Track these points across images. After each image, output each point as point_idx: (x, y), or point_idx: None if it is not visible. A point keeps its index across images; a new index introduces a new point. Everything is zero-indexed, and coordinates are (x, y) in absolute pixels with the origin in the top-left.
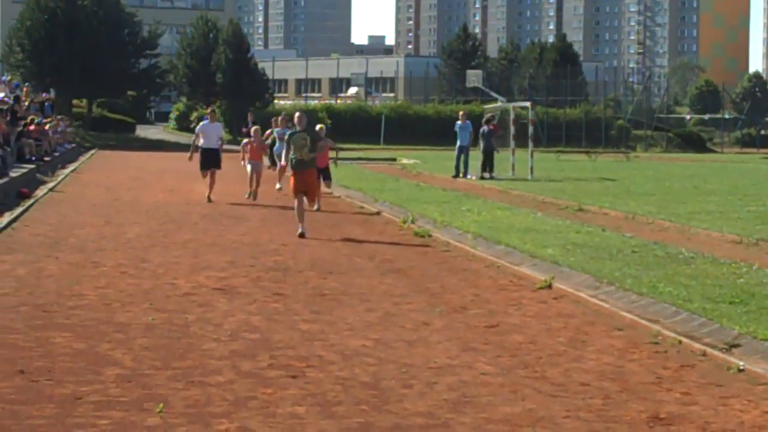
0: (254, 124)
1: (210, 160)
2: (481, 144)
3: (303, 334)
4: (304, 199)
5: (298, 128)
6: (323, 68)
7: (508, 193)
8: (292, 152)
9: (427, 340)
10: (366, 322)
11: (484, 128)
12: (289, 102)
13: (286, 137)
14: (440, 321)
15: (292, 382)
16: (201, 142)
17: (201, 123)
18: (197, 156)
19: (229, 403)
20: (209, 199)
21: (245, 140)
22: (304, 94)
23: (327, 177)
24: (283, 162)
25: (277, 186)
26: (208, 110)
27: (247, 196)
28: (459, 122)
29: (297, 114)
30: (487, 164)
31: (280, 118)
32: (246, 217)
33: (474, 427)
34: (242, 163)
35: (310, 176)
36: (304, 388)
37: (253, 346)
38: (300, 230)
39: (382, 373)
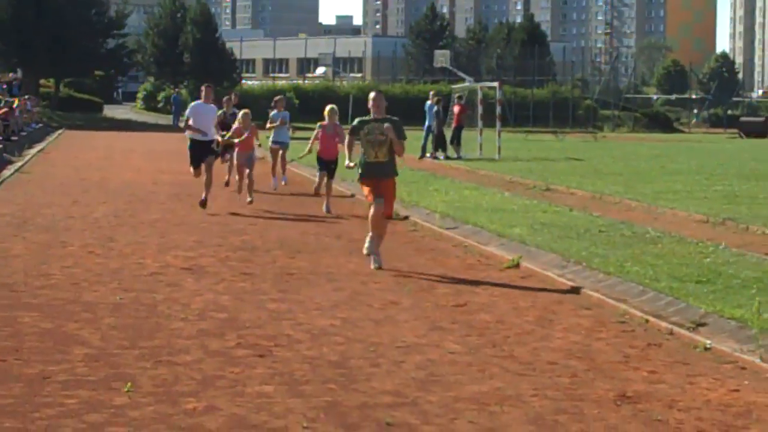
0: (241, 106)
1: (203, 154)
2: (435, 124)
3: (271, 314)
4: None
5: (373, 115)
6: (291, 48)
7: (476, 173)
8: (363, 152)
9: (394, 319)
10: (334, 301)
11: (436, 107)
12: (256, 82)
13: (353, 126)
14: (408, 300)
15: (259, 361)
16: (190, 131)
17: (192, 104)
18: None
19: (197, 382)
20: (204, 204)
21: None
22: (271, 74)
23: (333, 174)
24: (348, 162)
25: (277, 184)
26: (203, 86)
27: (248, 200)
28: (429, 102)
29: (373, 94)
30: (435, 144)
31: (277, 99)
32: (213, 197)
33: (442, 406)
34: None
35: (387, 189)
36: (272, 367)
37: (220, 326)
38: (374, 264)
39: (350, 352)
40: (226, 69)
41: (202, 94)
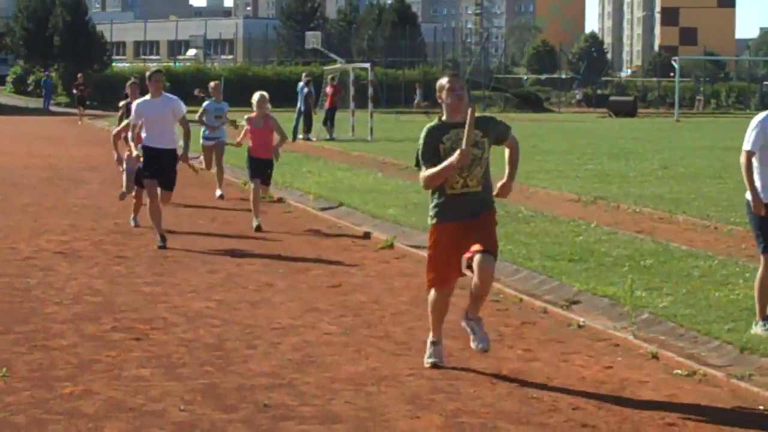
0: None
1: (156, 169)
2: (304, 106)
3: (146, 297)
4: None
5: (446, 116)
6: (161, 30)
7: (349, 154)
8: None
9: (270, 301)
10: (209, 283)
11: (306, 89)
12: (127, 65)
13: (423, 138)
14: (283, 282)
15: (136, 345)
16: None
17: (137, 102)
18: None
19: (73, 366)
20: (162, 241)
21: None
22: (142, 57)
23: (269, 179)
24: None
25: (218, 192)
26: (150, 74)
27: (132, 223)
28: (301, 83)
29: (447, 81)
30: (306, 125)
31: (212, 85)
32: (86, 181)
33: (319, 387)
34: (119, 158)
35: (487, 230)
36: (149, 351)
37: (96, 309)
38: (481, 345)
39: (226, 335)
40: (96, 52)
41: (150, 87)
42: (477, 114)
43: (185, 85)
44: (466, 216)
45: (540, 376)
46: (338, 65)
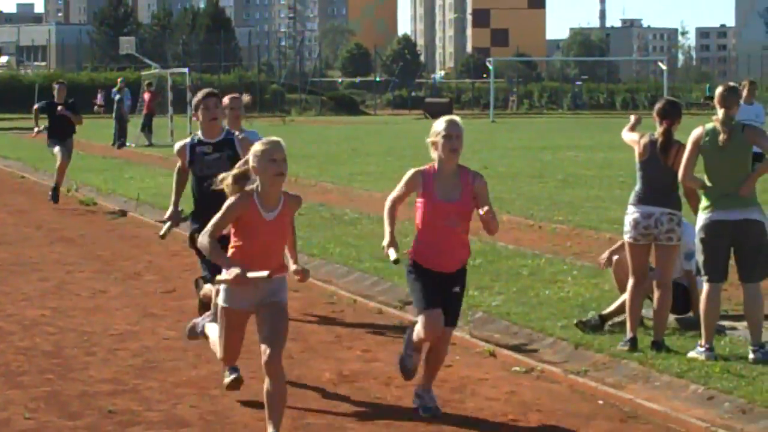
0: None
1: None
2: (116, 112)
3: None
4: None
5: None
6: None
7: (169, 159)
8: None
9: (104, 308)
10: (41, 291)
11: (118, 95)
12: None
13: None
14: (116, 288)
15: None
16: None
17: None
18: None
19: None
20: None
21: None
22: None
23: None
24: None
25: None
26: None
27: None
28: (115, 89)
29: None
30: (121, 132)
31: (226, 101)
32: None
33: (162, 392)
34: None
35: None
36: None
37: None
38: None
39: (64, 342)
40: None
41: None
42: None
43: None
44: None
45: (381, 376)
46: (155, 71)
